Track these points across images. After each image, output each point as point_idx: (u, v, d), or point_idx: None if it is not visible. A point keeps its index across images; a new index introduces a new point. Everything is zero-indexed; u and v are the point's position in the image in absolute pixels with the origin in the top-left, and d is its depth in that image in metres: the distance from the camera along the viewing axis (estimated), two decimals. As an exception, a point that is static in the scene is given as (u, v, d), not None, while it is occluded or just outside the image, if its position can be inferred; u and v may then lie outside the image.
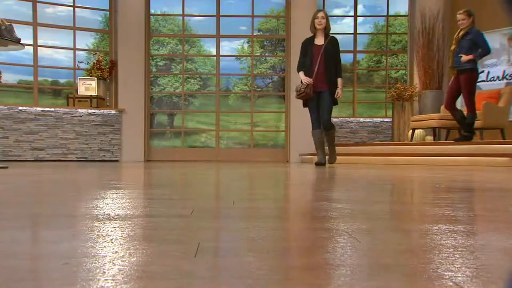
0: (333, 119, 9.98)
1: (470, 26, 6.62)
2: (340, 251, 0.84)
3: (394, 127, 9.20)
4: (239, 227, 1.11)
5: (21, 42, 4.93)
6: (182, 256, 0.80)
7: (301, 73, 6.53)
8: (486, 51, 6.54)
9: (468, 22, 6.61)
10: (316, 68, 6.38)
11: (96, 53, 9.22)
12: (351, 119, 9.85)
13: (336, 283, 0.64)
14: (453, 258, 0.79)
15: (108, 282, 0.64)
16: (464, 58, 6.49)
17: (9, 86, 8.95)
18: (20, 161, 8.07)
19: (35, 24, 8.88)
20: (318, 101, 6.43)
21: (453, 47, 6.74)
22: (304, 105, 6.60)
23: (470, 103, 6.87)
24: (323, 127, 6.49)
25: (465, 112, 7.07)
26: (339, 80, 6.47)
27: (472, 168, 5.78)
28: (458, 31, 6.75)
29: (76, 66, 9.23)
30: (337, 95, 6.43)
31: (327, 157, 6.73)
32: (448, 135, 8.57)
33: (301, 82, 6.45)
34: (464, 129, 7.17)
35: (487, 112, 7.90)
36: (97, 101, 8.73)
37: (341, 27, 10.13)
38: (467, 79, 6.65)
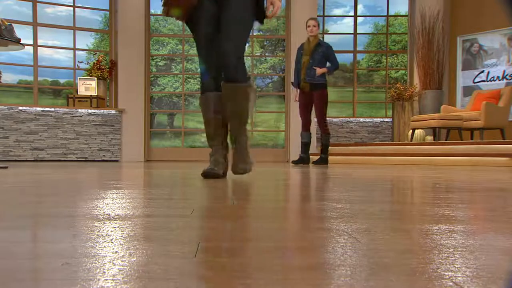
0: (332, 119, 9.98)
1: (319, 36, 6.54)
2: (340, 251, 0.84)
3: (394, 127, 9.20)
4: (239, 227, 1.11)
5: (21, 42, 4.93)
6: (182, 256, 0.80)
7: None
8: (336, 65, 6.50)
9: (318, 31, 6.53)
10: None
11: (96, 53, 9.22)
12: (351, 119, 9.86)
13: (336, 283, 0.64)
14: (453, 258, 0.80)
15: (108, 282, 0.64)
16: (319, 71, 6.35)
17: (9, 86, 8.95)
18: (20, 161, 8.07)
19: (35, 24, 8.87)
20: (219, 17, 2.95)
21: (306, 58, 6.51)
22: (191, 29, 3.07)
23: (325, 123, 6.64)
24: (225, 75, 2.93)
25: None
26: None
27: (472, 168, 5.78)
28: (309, 41, 6.57)
29: (76, 66, 9.23)
30: (271, 8, 2.97)
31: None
32: (448, 135, 8.58)
33: None
34: (323, 151, 6.90)
35: (487, 112, 7.90)
36: (97, 101, 8.74)
37: (341, 27, 10.13)
38: (321, 96, 6.46)
